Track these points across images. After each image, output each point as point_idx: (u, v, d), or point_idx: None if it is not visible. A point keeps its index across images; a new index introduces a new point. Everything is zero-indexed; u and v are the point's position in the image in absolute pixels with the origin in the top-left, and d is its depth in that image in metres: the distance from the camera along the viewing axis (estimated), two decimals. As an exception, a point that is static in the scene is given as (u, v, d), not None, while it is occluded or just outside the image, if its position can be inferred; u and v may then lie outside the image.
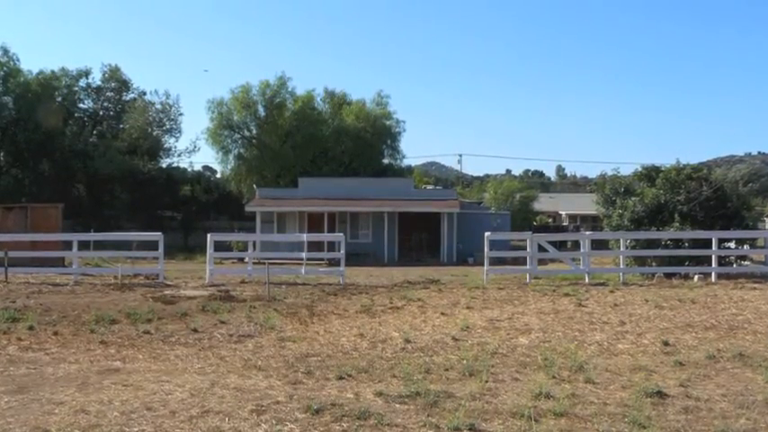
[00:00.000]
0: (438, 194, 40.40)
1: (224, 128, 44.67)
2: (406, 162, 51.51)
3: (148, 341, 9.10)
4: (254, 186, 39.74)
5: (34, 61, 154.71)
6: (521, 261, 20.67)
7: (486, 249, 17.53)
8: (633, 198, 22.10)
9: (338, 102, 47.41)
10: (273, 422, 5.19)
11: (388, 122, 46.60)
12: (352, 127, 44.55)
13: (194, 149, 54.42)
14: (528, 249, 17.83)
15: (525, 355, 8.17)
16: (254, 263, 20.26)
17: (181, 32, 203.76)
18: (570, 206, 64.34)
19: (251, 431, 5.04)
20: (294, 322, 10.69)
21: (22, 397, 6.01)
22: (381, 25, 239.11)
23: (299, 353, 8.29)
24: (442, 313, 11.52)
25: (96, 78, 47.18)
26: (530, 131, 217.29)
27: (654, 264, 20.10)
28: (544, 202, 62.16)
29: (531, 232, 20.49)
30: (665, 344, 8.73)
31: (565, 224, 63.15)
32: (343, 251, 17.62)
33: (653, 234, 19.91)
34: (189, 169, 52.55)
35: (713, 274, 17.42)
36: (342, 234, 19.77)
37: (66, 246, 19.27)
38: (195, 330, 9.82)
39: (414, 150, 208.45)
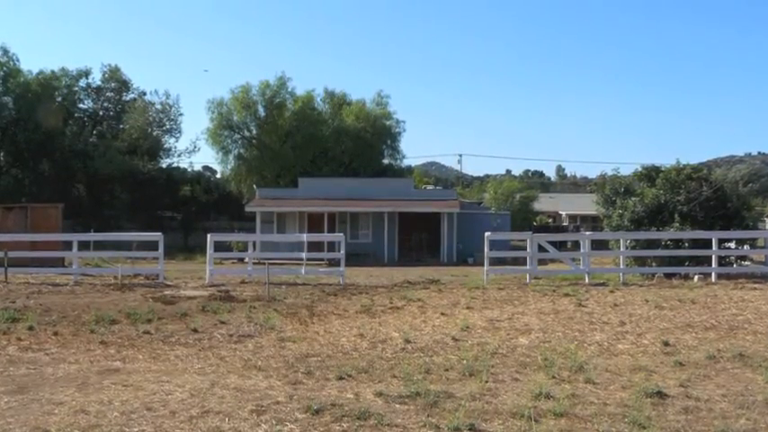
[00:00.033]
0: (438, 194, 40.41)
1: (224, 128, 44.68)
2: (406, 162, 51.63)
3: (148, 341, 9.10)
4: (254, 186, 39.75)
5: (34, 61, 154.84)
6: (521, 261, 20.67)
7: (486, 249, 17.52)
8: (633, 198, 22.11)
9: (338, 102, 47.43)
10: (273, 422, 5.19)
11: (388, 122, 46.63)
12: (352, 127, 44.56)
13: (194, 150, 54.49)
14: (528, 249, 17.82)
15: (525, 355, 8.17)
16: (254, 263, 20.26)
17: (181, 32, 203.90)
18: (570, 206, 64.35)
19: (251, 431, 5.04)
20: (294, 322, 10.69)
21: (21, 397, 6.00)
22: (381, 25, 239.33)
23: (299, 353, 8.29)
24: (442, 313, 11.52)
25: (96, 78, 47.31)
26: (530, 131, 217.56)
27: (654, 264, 20.10)
28: (544, 203, 62.16)
29: (531, 232, 20.47)
30: (666, 344, 8.73)
31: (565, 224, 63.16)
32: (343, 251, 17.62)
33: (653, 234, 19.91)
34: (189, 169, 52.66)
35: (713, 274, 17.41)
36: (342, 234, 19.77)
37: (67, 246, 19.26)
38: (195, 330, 9.82)
39: (414, 150, 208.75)
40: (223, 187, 49.37)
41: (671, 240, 19.92)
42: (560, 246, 20.82)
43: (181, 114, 50.66)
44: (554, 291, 14.54)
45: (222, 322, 10.53)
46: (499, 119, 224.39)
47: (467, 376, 6.95)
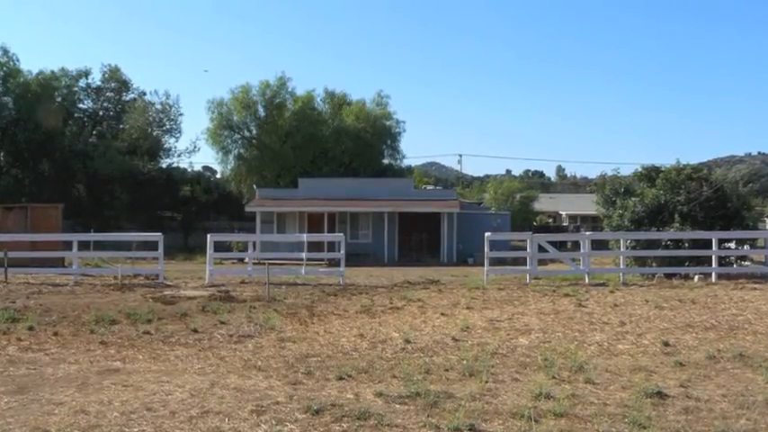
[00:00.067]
0: (438, 195, 40.39)
1: (224, 128, 44.67)
2: (406, 162, 51.59)
3: (148, 341, 9.10)
4: (254, 187, 39.74)
5: (34, 61, 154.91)
6: (521, 261, 20.66)
7: (486, 250, 17.51)
8: (633, 198, 22.10)
9: (338, 102, 47.42)
10: (273, 422, 5.19)
11: (387, 122, 46.61)
12: (352, 127, 44.55)
13: (194, 150, 54.48)
14: (528, 250, 17.82)
15: (525, 355, 8.17)
16: (254, 263, 20.25)
17: (181, 32, 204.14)
18: (570, 206, 64.36)
19: (251, 431, 5.04)
20: (294, 323, 10.69)
21: (21, 397, 6.00)
22: (381, 25, 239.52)
23: (298, 353, 8.28)
24: (442, 314, 11.52)
25: (96, 78, 47.26)
26: (530, 131, 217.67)
27: (654, 264, 20.10)
28: (544, 203, 62.18)
29: (531, 232, 20.46)
30: (666, 344, 8.73)
31: (565, 224, 63.16)
32: (342, 251, 17.62)
33: (653, 234, 19.90)
34: (189, 169, 52.64)
35: (713, 274, 17.41)
36: (342, 234, 19.77)
37: (66, 246, 19.26)
38: (195, 331, 9.82)
39: (414, 150, 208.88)
40: (223, 187, 49.35)
41: (671, 240, 19.92)
42: (560, 246, 20.83)
43: (181, 114, 50.73)
44: (554, 291, 14.54)
45: (222, 322, 10.53)
46: (499, 119, 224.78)
47: (467, 376, 6.95)
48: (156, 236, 18.41)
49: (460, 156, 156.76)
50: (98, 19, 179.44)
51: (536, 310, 11.89)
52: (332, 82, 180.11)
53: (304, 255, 18.73)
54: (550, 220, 63.17)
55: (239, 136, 45.51)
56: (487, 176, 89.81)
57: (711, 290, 14.52)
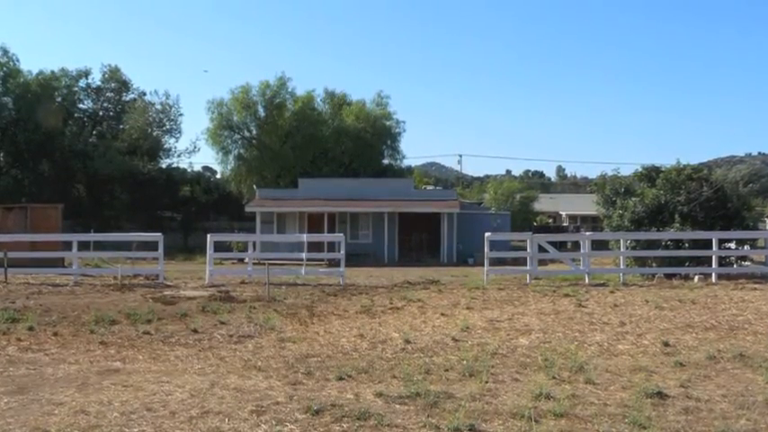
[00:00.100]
0: (438, 195, 40.38)
1: (224, 128, 44.67)
2: (406, 162, 51.58)
3: (148, 342, 9.09)
4: (254, 187, 39.74)
5: (34, 61, 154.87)
6: (521, 261, 20.66)
7: (486, 250, 17.51)
8: (633, 198, 22.10)
9: (338, 102, 47.41)
10: (273, 423, 5.19)
11: (388, 123, 46.61)
12: (352, 127, 44.55)
13: (194, 150, 54.40)
14: (528, 250, 17.82)
15: (525, 355, 8.17)
16: (253, 263, 20.23)
17: (181, 32, 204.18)
18: (570, 206, 64.35)
19: (251, 431, 5.05)
20: (294, 323, 10.69)
21: (21, 397, 6.00)
22: (381, 25, 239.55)
23: (298, 353, 8.28)
24: (442, 314, 11.52)
25: (96, 79, 47.23)
26: (530, 131, 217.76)
27: (654, 264, 20.10)
28: (544, 203, 62.18)
29: (531, 233, 20.47)
30: (666, 344, 8.73)
31: (565, 224, 63.15)
32: (343, 252, 17.62)
33: (653, 234, 19.90)
34: (189, 170, 52.62)
35: (713, 274, 17.41)
36: (342, 234, 19.77)
37: (66, 246, 19.26)
38: (195, 331, 9.81)
39: (414, 151, 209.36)
40: (223, 187, 49.35)
41: (671, 241, 19.92)
42: (560, 246, 20.83)
43: (181, 114, 50.65)
44: (554, 291, 14.54)
45: (222, 323, 10.53)
46: (499, 119, 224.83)
47: (467, 377, 6.95)
48: (156, 236, 18.41)
49: (460, 156, 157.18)
50: (98, 19, 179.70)
51: (536, 310, 11.89)
52: (332, 82, 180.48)
53: (304, 255, 18.73)
54: (550, 221, 63.16)
55: (239, 136, 45.51)
56: (487, 177, 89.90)
57: (711, 290, 14.52)
